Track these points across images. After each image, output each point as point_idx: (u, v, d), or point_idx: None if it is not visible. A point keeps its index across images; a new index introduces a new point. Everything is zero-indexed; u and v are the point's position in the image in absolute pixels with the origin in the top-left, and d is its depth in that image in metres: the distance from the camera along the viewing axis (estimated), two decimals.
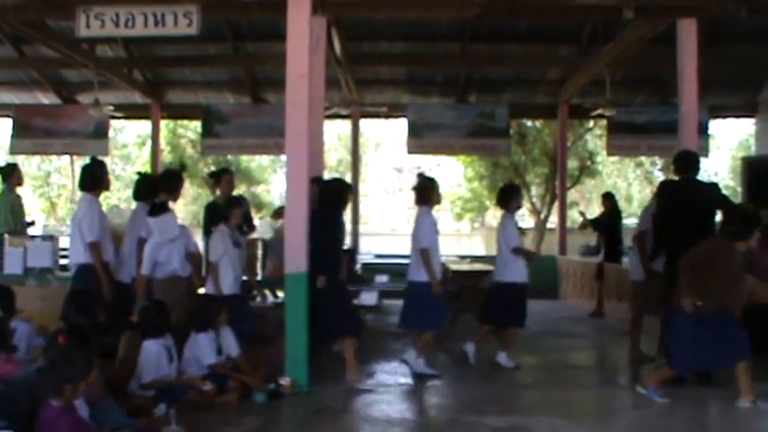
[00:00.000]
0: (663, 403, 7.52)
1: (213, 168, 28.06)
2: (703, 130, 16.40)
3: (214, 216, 9.41)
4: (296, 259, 8.05)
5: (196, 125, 21.83)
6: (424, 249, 8.66)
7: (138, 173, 10.33)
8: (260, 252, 10.83)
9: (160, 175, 9.24)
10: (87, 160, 9.12)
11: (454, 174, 34.26)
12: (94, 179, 8.66)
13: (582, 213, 15.27)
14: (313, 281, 8.17)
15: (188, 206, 32.70)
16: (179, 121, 25.28)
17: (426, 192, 8.97)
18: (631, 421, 7.20)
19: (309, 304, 8.02)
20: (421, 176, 9.26)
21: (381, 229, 46.85)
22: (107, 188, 8.90)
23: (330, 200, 8.58)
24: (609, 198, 15.00)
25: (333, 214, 8.58)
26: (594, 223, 14.71)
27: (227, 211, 8.90)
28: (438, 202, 9.03)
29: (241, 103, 17.54)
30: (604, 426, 6.97)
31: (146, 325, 7.58)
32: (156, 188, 8.83)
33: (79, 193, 9.20)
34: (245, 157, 28.66)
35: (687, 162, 8.81)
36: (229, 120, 17.09)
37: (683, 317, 7.41)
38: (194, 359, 7.73)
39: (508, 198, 9.62)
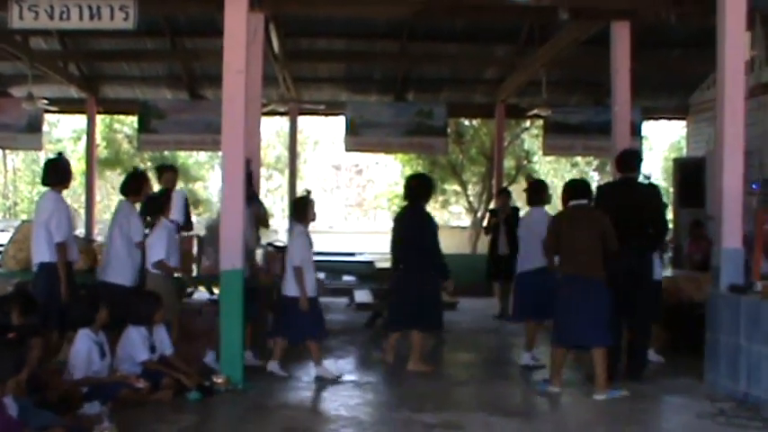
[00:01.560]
0: (595, 399, 7.66)
1: (150, 164, 27.93)
2: (636, 132, 16.65)
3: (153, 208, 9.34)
4: (231, 256, 8.01)
5: (132, 120, 21.56)
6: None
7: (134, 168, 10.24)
8: (195, 248, 10.75)
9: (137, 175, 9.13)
10: (51, 155, 8.97)
11: (392, 172, 34.32)
12: (62, 175, 8.41)
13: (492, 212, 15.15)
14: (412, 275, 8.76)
15: None
16: (115, 116, 24.91)
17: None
18: (563, 416, 7.30)
19: (243, 299, 8.00)
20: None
21: (319, 226, 46.72)
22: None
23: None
24: (506, 195, 14.36)
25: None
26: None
27: (164, 204, 8.87)
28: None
29: (178, 98, 17.40)
30: (537, 421, 7.05)
31: (74, 317, 7.49)
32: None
33: (33, 189, 9.05)
34: (182, 154, 28.33)
35: (629, 161, 8.91)
36: (166, 115, 16.92)
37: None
38: (127, 356, 7.66)
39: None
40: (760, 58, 13.22)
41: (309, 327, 8.60)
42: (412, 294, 8.94)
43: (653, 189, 9.19)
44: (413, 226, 9.13)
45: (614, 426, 6.83)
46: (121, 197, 8.96)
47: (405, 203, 9.48)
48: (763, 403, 7.12)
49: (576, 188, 8.53)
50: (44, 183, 8.50)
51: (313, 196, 9.07)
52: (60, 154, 8.92)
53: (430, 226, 9.15)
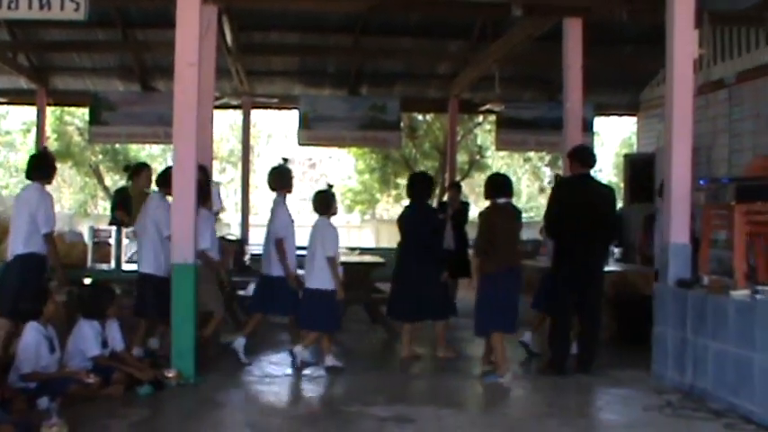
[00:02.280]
0: (545, 393, 7.75)
1: (101, 156, 27.64)
2: (588, 127, 16.82)
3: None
4: (183, 251, 7.97)
5: (84, 112, 21.31)
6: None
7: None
8: None
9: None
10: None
11: (345, 166, 34.31)
12: (46, 169, 8.41)
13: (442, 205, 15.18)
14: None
15: (75, 195, 31.92)
16: (66, 108, 24.60)
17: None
18: (514, 409, 7.37)
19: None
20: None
21: None
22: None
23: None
24: (456, 189, 14.23)
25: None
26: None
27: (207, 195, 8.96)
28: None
29: (130, 90, 17.20)
30: (487, 414, 7.12)
31: (23, 310, 7.43)
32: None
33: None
34: (134, 146, 28.08)
35: (583, 157, 9.00)
36: (118, 107, 16.73)
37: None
38: (78, 351, 7.58)
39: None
40: (708, 57, 13.43)
41: (327, 319, 8.81)
42: (426, 286, 9.31)
43: (608, 188, 9.34)
44: (416, 222, 9.49)
45: (564, 418, 6.91)
46: (154, 189, 9.09)
47: (409, 201, 9.90)
48: (709, 395, 7.24)
49: (502, 184, 8.81)
50: (28, 176, 8.45)
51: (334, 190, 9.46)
52: (45, 148, 8.98)
53: (433, 222, 9.66)
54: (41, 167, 8.41)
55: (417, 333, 9.60)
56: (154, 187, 9.41)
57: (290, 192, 9.38)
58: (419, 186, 9.79)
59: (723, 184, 7.91)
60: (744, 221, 7.60)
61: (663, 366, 8.14)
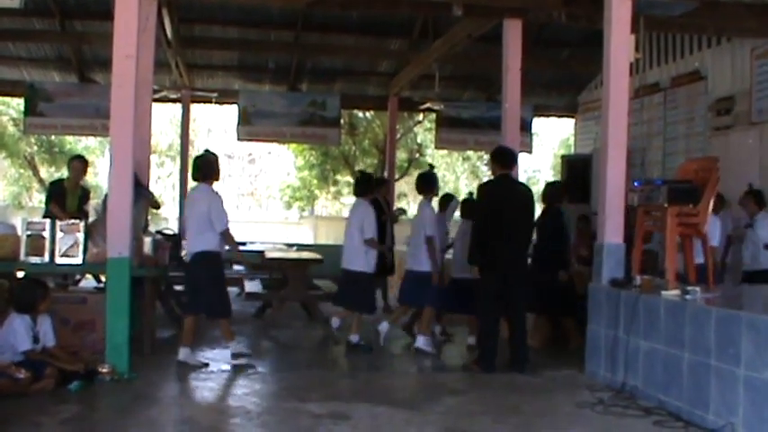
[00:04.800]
0: (478, 391, 7.82)
1: (36, 148, 27.22)
2: (527, 128, 17.02)
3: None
4: (118, 244, 7.89)
5: (18, 102, 20.95)
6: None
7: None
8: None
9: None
10: None
11: (285, 162, 34.21)
12: (211, 170, 8.76)
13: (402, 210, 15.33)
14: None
15: (9, 186, 31.37)
16: (0, 98, 24.17)
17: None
18: (449, 407, 7.41)
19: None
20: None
21: None
22: None
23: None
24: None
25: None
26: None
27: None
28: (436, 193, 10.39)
29: (67, 81, 16.93)
30: (423, 412, 7.14)
31: None
32: None
33: None
34: (70, 138, 27.70)
35: (502, 158, 9.10)
36: (54, 98, 16.45)
37: None
38: (8, 345, 7.46)
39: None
40: (644, 61, 13.65)
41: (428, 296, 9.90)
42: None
43: (527, 188, 9.48)
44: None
45: (498, 415, 6.97)
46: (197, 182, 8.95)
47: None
48: (639, 392, 7.38)
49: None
50: (194, 178, 8.87)
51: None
52: (207, 150, 8.97)
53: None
54: (204, 169, 8.73)
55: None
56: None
57: (436, 195, 10.47)
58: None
59: (656, 186, 8.04)
60: (675, 223, 7.76)
61: (596, 365, 8.27)
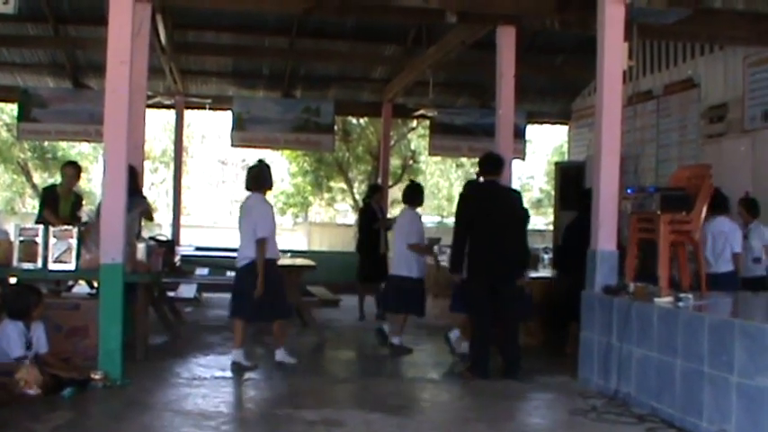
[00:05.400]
0: (471, 398, 7.83)
1: (29, 154, 27.17)
2: (520, 135, 17.05)
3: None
4: (111, 250, 7.88)
5: (12, 108, 20.92)
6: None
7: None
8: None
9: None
10: None
11: (278, 168, 34.20)
12: (263, 180, 9.03)
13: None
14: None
15: (2, 192, 31.33)
16: None
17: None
18: (443, 414, 7.42)
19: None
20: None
21: (203, 221, 46.21)
22: None
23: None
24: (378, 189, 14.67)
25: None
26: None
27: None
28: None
29: (61, 87, 16.90)
30: (416, 418, 7.15)
31: None
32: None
33: None
34: (64, 144, 27.66)
35: (489, 164, 9.10)
36: (48, 104, 16.45)
37: None
38: (1, 352, 7.45)
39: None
40: (637, 69, 13.70)
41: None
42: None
43: (516, 192, 9.49)
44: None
45: (492, 422, 6.97)
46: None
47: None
48: (632, 399, 7.38)
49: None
50: (247, 188, 9.09)
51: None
52: (261, 161, 9.12)
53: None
54: (256, 179, 9.00)
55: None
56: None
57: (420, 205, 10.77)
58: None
59: (649, 194, 8.07)
60: (668, 230, 7.78)
61: (589, 372, 8.27)
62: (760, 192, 11.15)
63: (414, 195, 10.62)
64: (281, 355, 9.09)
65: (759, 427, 5.80)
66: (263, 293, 8.66)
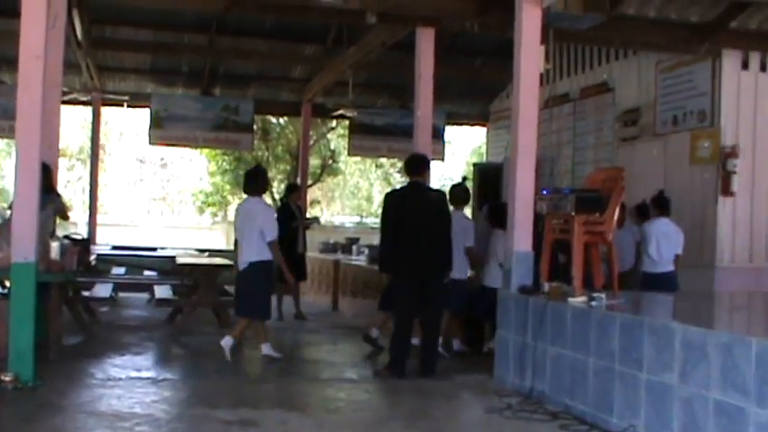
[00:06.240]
0: (388, 396, 7.88)
1: None
2: (440, 136, 17.21)
3: None
4: (23, 248, 7.71)
5: None
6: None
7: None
8: None
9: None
10: None
11: (197, 167, 33.90)
12: (261, 184, 9.58)
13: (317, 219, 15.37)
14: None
15: None
16: None
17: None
18: (359, 413, 7.44)
19: None
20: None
21: (121, 220, 45.57)
22: None
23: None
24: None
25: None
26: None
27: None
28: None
29: None
30: (332, 418, 7.16)
31: None
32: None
33: None
34: None
35: (412, 165, 9.17)
36: None
37: None
38: None
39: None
40: (554, 72, 13.94)
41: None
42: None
43: (440, 192, 9.56)
44: None
45: (407, 421, 7.02)
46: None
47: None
48: (546, 397, 7.50)
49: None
50: (246, 191, 9.57)
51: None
52: (258, 165, 9.20)
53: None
54: (255, 182, 9.49)
55: None
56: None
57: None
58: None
59: (564, 195, 8.20)
60: (582, 231, 7.93)
61: (505, 370, 8.38)
62: (670, 193, 11.46)
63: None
64: (267, 348, 9.46)
65: (665, 423, 5.96)
66: (259, 291, 9.22)
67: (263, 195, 9.66)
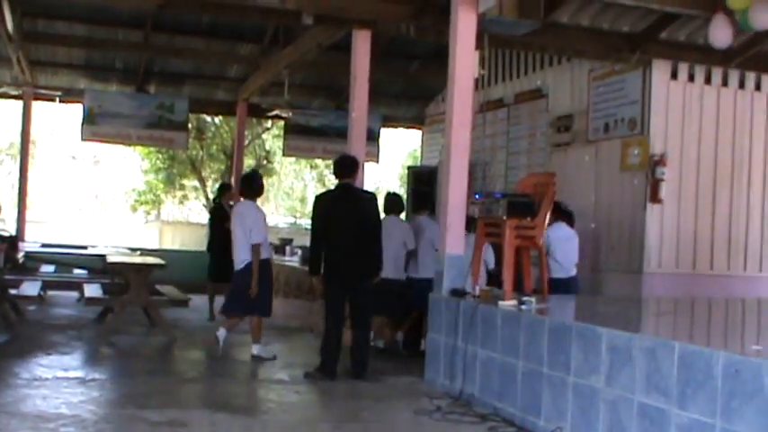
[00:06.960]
0: (319, 398, 7.89)
1: None
2: (374, 138, 17.25)
3: None
4: None
5: None
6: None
7: None
8: None
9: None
10: None
11: (131, 165, 33.51)
12: (256, 188, 10.01)
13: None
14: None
15: None
16: None
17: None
18: (289, 414, 7.43)
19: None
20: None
21: (51, 217, 44.80)
22: None
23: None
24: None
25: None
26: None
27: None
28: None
29: None
30: (261, 419, 7.15)
31: None
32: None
33: None
34: None
35: (342, 167, 9.13)
36: None
37: None
38: None
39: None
40: (489, 77, 14.08)
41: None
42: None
43: (371, 194, 9.58)
44: None
45: (337, 422, 7.05)
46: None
47: None
48: (476, 400, 7.57)
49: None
50: (241, 194, 10.07)
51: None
52: (254, 170, 9.10)
53: None
54: (250, 186, 9.92)
55: None
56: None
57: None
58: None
59: (496, 199, 8.29)
60: (513, 235, 8.03)
61: (435, 373, 8.45)
62: (601, 198, 11.68)
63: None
64: (257, 349, 9.70)
65: (591, 425, 6.06)
66: (259, 289, 9.45)
67: (256, 199, 9.95)
